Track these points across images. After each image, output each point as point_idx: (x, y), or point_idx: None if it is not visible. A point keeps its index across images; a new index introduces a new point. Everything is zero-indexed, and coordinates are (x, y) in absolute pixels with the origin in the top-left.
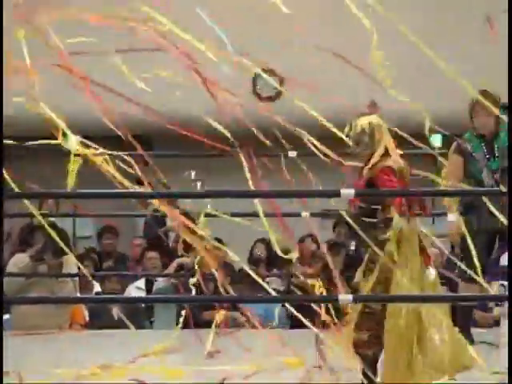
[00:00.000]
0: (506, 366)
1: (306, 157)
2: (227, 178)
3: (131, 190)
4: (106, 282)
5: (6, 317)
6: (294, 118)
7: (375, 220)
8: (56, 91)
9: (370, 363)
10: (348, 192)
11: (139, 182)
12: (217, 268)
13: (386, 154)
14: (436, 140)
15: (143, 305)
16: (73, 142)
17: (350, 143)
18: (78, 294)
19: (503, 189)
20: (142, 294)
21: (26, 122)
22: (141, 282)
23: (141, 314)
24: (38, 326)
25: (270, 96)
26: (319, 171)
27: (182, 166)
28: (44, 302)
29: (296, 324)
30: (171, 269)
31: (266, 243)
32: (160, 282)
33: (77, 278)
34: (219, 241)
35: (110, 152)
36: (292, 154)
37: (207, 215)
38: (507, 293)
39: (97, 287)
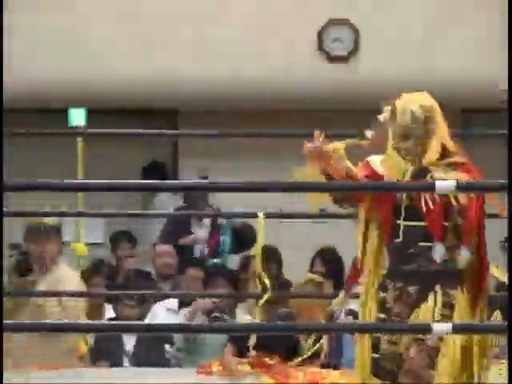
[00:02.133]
0: None
1: None
2: None
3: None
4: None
5: None
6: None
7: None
8: None
9: None
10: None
11: None
12: None
13: (446, 150)
14: None
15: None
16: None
17: (392, 136)
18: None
19: None
20: (175, 318)
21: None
22: (173, 303)
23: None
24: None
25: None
26: None
27: None
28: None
29: None
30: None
31: None
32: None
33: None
34: None
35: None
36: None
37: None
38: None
39: (109, 311)
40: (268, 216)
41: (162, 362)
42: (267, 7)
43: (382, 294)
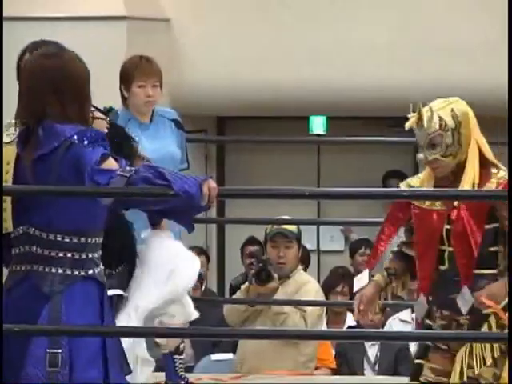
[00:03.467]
0: None
1: None
2: None
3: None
4: None
5: (228, 357)
6: None
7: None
8: None
9: None
10: None
11: None
12: None
13: (484, 160)
14: None
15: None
16: None
17: (422, 144)
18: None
19: None
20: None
21: None
22: (406, 314)
23: None
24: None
25: None
26: None
27: None
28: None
29: None
30: None
31: None
32: None
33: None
34: None
35: None
36: None
37: None
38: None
39: (349, 319)
40: None
41: (406, 370)
42: None
43: (427, 322)
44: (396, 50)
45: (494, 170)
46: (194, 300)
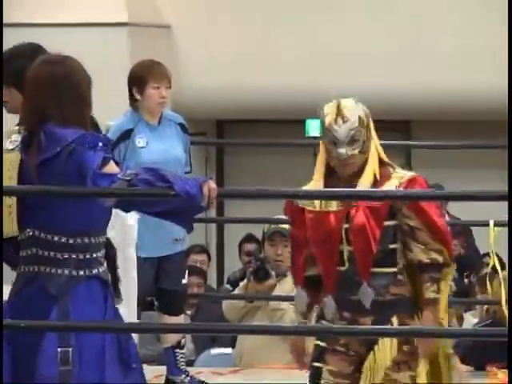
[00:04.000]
0: None
1: None
2: None
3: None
4: None
5: (227, 351)
6: None
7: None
8: None
9: None
10: None
11: None
12: None
13: (380, 159)
14: None
15: None
16: None
17: (343, 140)
18: None
19: None
20: None
21: None
22: None
23: None
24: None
25: None
26: None
27: None
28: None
29: None
30: None
31: None
32: None
33: None
34: None
35: None
36: None
37: None
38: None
39: None
40: None
41: None
42: None
43: (325, 323)
44: (390, 58)
45: (391, 169)
46: (196, 296)
